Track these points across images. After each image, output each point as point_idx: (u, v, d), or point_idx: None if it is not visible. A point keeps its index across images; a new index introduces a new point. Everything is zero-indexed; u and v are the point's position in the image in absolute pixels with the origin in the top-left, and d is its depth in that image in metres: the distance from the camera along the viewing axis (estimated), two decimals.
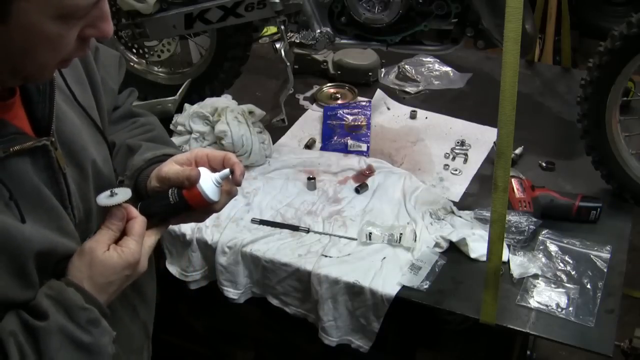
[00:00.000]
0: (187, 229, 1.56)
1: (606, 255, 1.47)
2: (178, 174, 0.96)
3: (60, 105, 0.92)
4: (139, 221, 0.95)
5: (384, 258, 1.47)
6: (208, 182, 0.96)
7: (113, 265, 0.91)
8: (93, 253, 0.91)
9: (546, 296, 1.38)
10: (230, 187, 1.01)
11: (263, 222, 1.57)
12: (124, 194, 0.93)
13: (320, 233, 1.55)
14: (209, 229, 1.55)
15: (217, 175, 0.96)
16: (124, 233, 0.93)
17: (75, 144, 0.95)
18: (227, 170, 0.96)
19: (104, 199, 0.93)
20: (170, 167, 0.99)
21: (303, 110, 2.06)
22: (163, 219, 0.99)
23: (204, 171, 0.97)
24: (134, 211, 0.95)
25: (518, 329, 1.33)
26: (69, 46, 0.79)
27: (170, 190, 0.97)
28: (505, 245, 1.45)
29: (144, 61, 2.04)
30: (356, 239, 1.52)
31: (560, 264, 1.45)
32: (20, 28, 0.74)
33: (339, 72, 2.18)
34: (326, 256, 1.47)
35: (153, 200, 0.99)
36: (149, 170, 1.03)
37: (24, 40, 0.75)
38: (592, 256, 1.47)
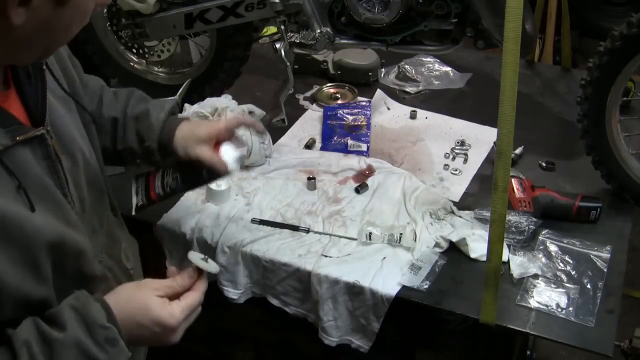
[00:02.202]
0: (187, 229, 1.56)
1: (606, 255, 1.47)
2: (211, 159, 1.21)
3: (48, 97, 0.94)
4: (196, 296, 0.98)
5: (384, 258, 1.47)
6: (230, 159, 1.22)
7: (152, 309, 0.92)
8: (147, 287, 0.93)
9: (546, 296, 1.38)
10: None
11: (263, 222, 1.57)
12: (214, 267, 1.04)
13: (320, 233, 1.55)
14: (209, 229, 1.55)
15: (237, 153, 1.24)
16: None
17: (65, 134, 0.98)
18: (243, 151, 1.25)
19: (196, 256, 1.02)
20: (200, 152, 1.20)
21: (303, 110, 2.06)
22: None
23: (226, 149, 1.23)
24: (201, 286, 1.00)
25: (518, 329, 1.33)
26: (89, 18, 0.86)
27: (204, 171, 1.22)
28: (505, 245, 1.45)
29: (144, 61, 2.04)
30: (356, 239, 1.52)
31: (560, 264, 1.45)
32: (73, 8, 0.79)
33: (339, 72, 2.18)
34: (326, 256, 1.47)
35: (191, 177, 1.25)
36: (167, 128, 1.23)
37: (71, 18, 0.81)
38: (592, 256, 1.47)
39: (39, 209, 0.84)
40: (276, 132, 1.88)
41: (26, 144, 0.86)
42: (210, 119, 1.74)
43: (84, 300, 0.88)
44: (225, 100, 1.82)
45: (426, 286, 1.40)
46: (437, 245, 1.50)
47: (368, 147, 1.85)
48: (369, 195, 1.66)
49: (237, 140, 1.26)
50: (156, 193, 1.28)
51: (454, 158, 1.82)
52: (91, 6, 0.83)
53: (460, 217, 1.58)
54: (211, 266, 1.01)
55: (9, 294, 0.81)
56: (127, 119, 1.23)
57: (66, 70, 1.07)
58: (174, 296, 0.96)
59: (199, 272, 1.00)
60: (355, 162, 1.77)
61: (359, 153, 1.82)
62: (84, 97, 1.13)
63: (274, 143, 1.85)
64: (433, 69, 2.23)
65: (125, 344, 0.88)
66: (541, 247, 1.49)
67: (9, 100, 0.88)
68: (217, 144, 1.24)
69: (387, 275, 1.42)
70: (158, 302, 0.92)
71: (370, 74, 2.17)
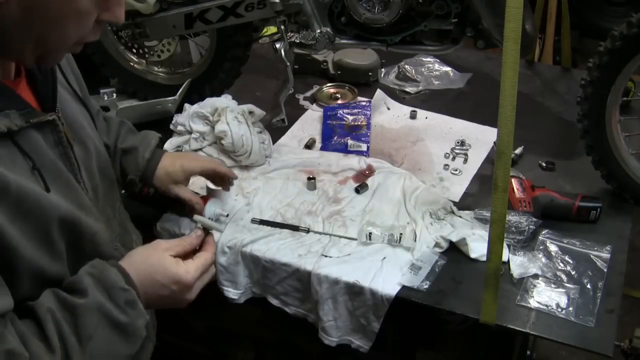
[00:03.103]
0: (187, 229, 1.55)
1: (606, 255, 1.47)
2: (190, 200, 1.44)
3: (58, 88, 0.96)
4: (208, 255, 1.02)
5: (384, 258, 1.47)
6: (210, 215, 1.39)
7: (168, 267, 0.95)
8: (158, 247, 0.97)
9: (546, 296, 1.38)
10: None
11: (263, 222, 1.57)
12: (219, 226, 1.16)
13: (320, 233, 1.55)
14: None
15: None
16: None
17: (75, 122, 1.00)
18: (223, 213, 1.43)
19: (201, 217, 1.11)
20: (178, 191, 1.42)
21: (303, 110, 2.06)
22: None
23: (211, 204, 1.43)
24: (210, 246, 1.05)
25: (518, 329, 1.33)
26: (89, 26, 0.84)
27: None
28: (505, 245, 1.45)
29: (144, 61, 2.04)
30: (356, 239, 1.52)
31: (560, 264, 1.45)
32: None
33: (339, 72, 2.18)
34: (326, 256, 1.47)
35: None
36: (150, 166, 1.37)
37: (59, 10, 0.79)
38: (592, 256, 1.47)
39: (53, 190, 0.85)
40: (276, 132, 1.88)
41: (39, 130, 0.88)
42: (211, 119, 1.74)
43: (101, 266, 0.90)
44: (225, 100, 1.83)
45: (426, 286, 1.40)
46: (437, 245, 1.50)
47: (368, 147, 1.85)
48: (369, 195, 1.66)
49: (221, 197, 1.51)
50: None
51: (454, 158, 1.82)
52: (84, 5, 0.80)
53: (460, 217, 1.58)
54: (217, 225, 1.11)
55: (24, 267, 0.82)
56: (117, 150, 1.33)
57: (75, 72, 1.11)
58: (184, 256, 1.00)
59: (206, 232, 1.08)
60: (355, 162, 1.77)
61: (359, 153, 1.82)
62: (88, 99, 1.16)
63: (274, 143, 1.85)
64: (433, 69, 2.23)
65: (144, 307, 0.91)
66: (541, 247, 1.49)
67: (20, 88, 0.90)
68: (206, 196, 1.49)
69: (387, 275, 1.42)
70: (172, 261, 0.96)
71: (370, 74, 2.17)
